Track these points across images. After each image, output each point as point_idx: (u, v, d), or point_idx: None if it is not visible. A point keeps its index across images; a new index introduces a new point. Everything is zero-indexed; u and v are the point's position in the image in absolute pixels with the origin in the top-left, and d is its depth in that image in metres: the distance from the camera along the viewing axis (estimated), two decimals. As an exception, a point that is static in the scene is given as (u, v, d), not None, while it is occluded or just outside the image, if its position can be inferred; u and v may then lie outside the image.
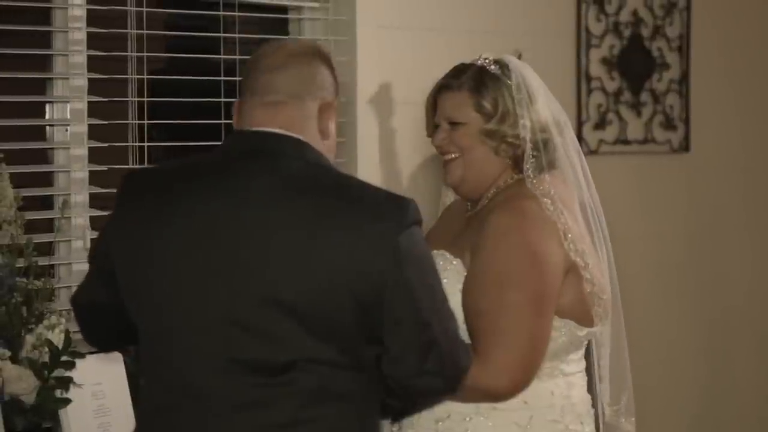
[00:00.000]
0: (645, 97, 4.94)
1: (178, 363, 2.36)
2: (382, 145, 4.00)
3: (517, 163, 2.77)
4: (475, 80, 2.78)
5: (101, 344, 2.70)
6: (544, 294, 2.61)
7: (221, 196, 2.33)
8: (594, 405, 2.86)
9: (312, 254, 2.26)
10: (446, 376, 2.41)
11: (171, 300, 2.35)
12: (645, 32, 4.92)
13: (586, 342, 2.81)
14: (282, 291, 2.26)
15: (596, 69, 4.78)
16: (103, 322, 2.54)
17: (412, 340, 2.33)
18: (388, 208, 2.31)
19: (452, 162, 2.80)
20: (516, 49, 4.33)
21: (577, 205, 2.78)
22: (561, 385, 2.73)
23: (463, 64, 2.84)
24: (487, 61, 2.82)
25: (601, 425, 2.90)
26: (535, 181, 2.73)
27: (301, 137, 2.39)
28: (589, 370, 2.86)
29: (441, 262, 2.67)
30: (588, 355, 2.88)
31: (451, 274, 2.65)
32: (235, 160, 2.38)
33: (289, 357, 2.28)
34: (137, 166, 3.51)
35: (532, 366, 2.62)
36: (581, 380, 2.80)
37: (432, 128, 2.86)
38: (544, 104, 2.80)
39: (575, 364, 2.77)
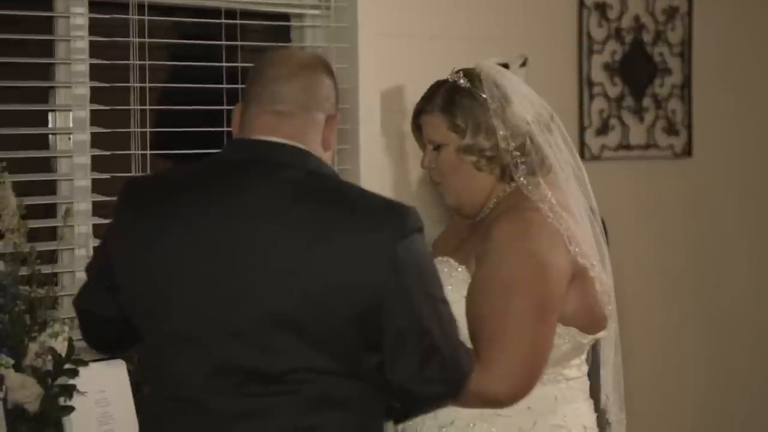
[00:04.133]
0: (647, 102, 4.94)
1: (177, 372, 2.36)
2: (385, 152, 4.01)
3: (503, 174, 2.77)
4: (444, 100, 2.78)
5: (102, 348, 2.74)
6: (548, 302, 2.61)
7: (219, 207, 2.33)
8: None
9: (309, 266, 2.26)
10: (449, 381, 2.41)
11: (170, 310, 2.36)
12: (647, 38, 4.93)
13: (588, 347, 2.81)
14: (279, 304, 2.27)
15: (598, 75, 4.78)
16: (103, 329, 2.57)
17: (413, 348, 2.33)
18: (387, 217, 2.31)
19: (441, 187, 2.84)
20: (522, 54, 4.33)
21: (577, 206, 2.77)
22: (564, 390, 2.73)
23: (437, 83, 2.84)
24: (458, 75, 2.81)
25: None
26: (530, 187, 2.72)
27: (303, 146, 2.39)
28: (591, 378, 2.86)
29: (446, 269, 2.67)
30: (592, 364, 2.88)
31: (456, 281, 2.65)
32: (234, 169, 2.38)
33: (288, 366, 2.28)
34: (140, 174, 3.52)
35: (533, 373, 2.62)
36: (584, 385, 2.80)
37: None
38: (522, 104, 2.78)
39: (577, 369, 2.77)
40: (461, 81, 2.79)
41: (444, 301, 2.40)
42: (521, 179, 2.73)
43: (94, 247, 2.57)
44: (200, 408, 2.33)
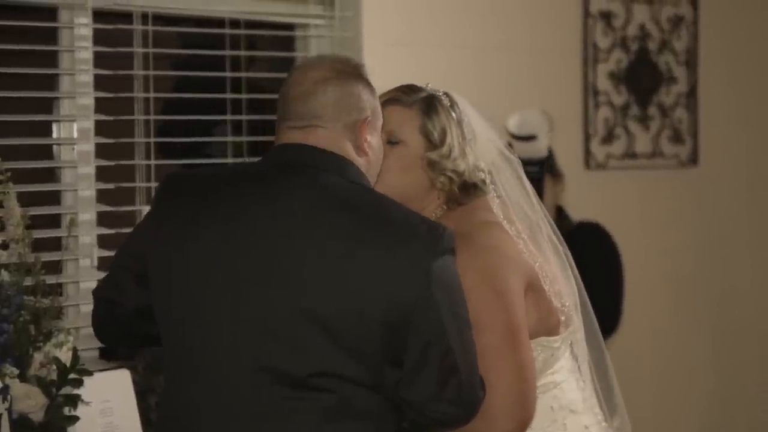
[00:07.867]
0: (653, 111, 4.95)
1: (203, 368, 2.35)
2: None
3: (449, 198, 2.70)
4: (427, 104, 2.68)
5: (111, 341, 2.75)
6: (515, 324, 2.57)
7: (260, 205, 2.34)
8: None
9: (347, 272, 2.28)
10: (463, 404, 2.40)
11: (203, 304, 2.34)
12: (652, 46, 4.93)
13: (566, 347, 2.75)
14: (315, 305, 2.27)
15: (603, 83, 4.79)
16: (119, 321, 2.53)
17: (434, 366, 2.33)
18: (424, 234, 2.33)
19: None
20: (549, 119, 4.22)
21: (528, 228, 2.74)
22: (558, 396, 2.71)
23: (414, 85, 2.74)
24: (438, 91, 2.72)
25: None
26: (497, 206, 2.70)
27: (342, 154, 2.40)
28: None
29: None
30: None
31: None
32: (275, 170, 2.39)
33: (315, 370, 2.28)
34: (143, 185, 3.52)
35: (529, 398, 2.58)
36: (573, 382, 2.75)
37: None
38: (486, 138, 2.74)
39: (567, 371, 2.73)
40: (443, 97, 2.72)
41: (469, 325, 2.39)
42: (496, 201, 2.70)
43: (127, 235, 2.53)
44: (222, 405, 2.32)
